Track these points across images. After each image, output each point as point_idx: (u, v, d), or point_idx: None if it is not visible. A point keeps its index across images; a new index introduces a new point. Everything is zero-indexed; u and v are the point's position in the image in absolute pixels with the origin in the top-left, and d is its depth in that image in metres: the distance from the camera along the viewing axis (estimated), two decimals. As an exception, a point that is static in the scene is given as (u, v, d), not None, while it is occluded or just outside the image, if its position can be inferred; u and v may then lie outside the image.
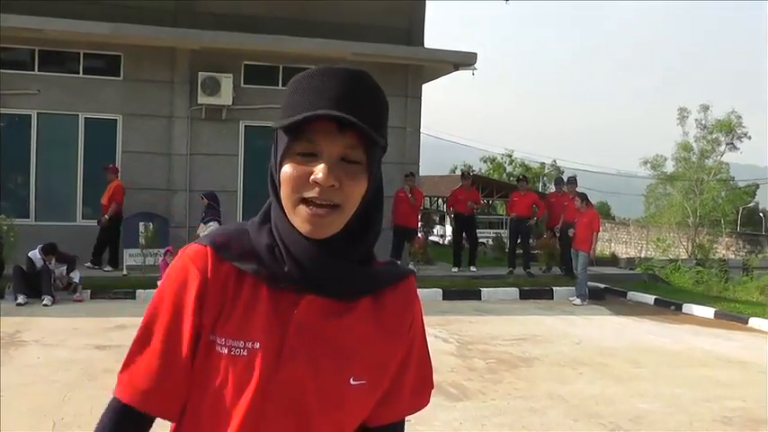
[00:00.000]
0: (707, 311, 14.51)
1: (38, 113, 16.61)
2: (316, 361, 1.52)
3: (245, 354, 1.50)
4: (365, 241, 1.57)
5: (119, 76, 17.03)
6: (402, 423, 1.74)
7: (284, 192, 1.49)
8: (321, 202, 1.45)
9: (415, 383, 1.70)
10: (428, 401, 1.75)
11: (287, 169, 1.48)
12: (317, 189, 1.45)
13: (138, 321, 1.63)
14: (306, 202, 1.46)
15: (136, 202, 16.59)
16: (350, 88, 1.47)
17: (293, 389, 1.51)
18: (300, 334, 1.52)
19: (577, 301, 15.32)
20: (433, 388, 1.76)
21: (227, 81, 16.87)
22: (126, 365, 1.60)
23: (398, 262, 1.77)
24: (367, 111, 1.47)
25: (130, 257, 15.31)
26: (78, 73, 16.89)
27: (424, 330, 1.72)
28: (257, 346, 1.50)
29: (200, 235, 14.28)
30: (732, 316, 14.14)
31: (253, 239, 1.57)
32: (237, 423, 1.50)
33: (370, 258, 1.62)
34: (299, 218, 1.47)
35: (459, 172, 61.03)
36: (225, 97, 16.90)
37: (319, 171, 1.44)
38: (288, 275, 1.51)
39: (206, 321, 1.53)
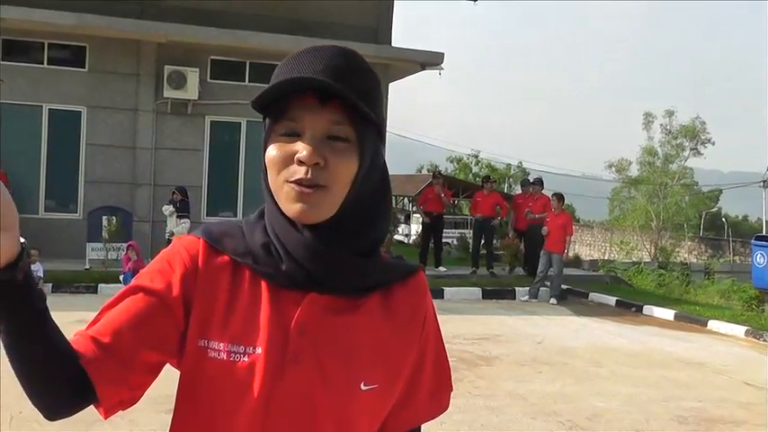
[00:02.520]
0: (667, 313, 14.67)
1: (1, 104, 16.41)
2: (322, 365, 1.39)
3: (246, 359, 1.37)
4: (364, 239, 1.45)
5: (84, 67, 16.90)
6: (419, 429, 1.60)
7: (270, 177, 1.39)
8: (308, 183, 1.34)
9: (433, 385, 1.57)
10: (448, 405, 1.61)
11: (270, 152, 1.38)
12: (302, 170, 1.34)
13: None
14: (292, 183, 1.35)
15: (100, 195, 16.52)
16: (333, 60, 1.38)
17: (299, 396, 1.38)
18: (304, 336, 1.39)
19: (553, 301, 15.53)
20: (452, 390, 1.62)
21: (193, 75, 16.80)
22: (88, 326, 1.41)
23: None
24: (353, 82, 1.36)
25: (93, 251, 15.19)
26: (42, 63, 16.76)
27: (438, 328, 1.61)
28: (259, 351, 1.37)
29: (173, 230, 14.27)
30: (692, 318, 14.31)
31: (247, 237, 1.46)
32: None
33: (375, 252, 1.49)
34: (286, 199, 1.36)
35: (425, 171, 61.25)
36: (191, 91, 16.83)
37: (303, 149, 1.33)
38: (286, 274, 1.40)
39: (194, 323, 1.41)
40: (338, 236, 1.40)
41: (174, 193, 15.17)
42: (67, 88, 16.72)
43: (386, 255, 1.54)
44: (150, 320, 1.38)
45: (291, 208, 1.36)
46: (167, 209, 14.94)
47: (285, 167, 1.36)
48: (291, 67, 1.38)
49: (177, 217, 14.57)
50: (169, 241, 14.49)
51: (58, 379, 1.31)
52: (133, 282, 1.43)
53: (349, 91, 1.33)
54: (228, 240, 1.46)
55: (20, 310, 1.24)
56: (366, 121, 1.38)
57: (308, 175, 1.33)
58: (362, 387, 1.41)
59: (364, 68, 1.42)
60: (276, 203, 1.41)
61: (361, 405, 1.42)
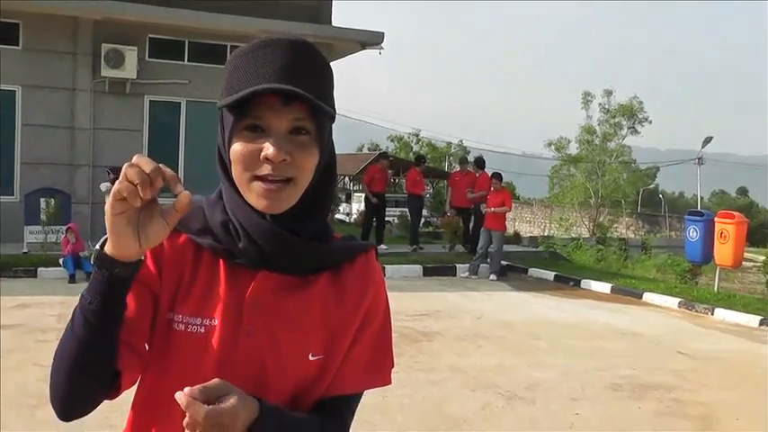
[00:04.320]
0: (604, 287, 15.01)
1: (-69, 85, 16.04)
2: (274, 337, 1.49)
3: (203, 331, 1.48)
4: (319, 214, 1.55)
5: (17, 45, 16.45)
6: (356, 397, 1.64)
7: (236, 171, 1.46)
8: (274, 178, 1.42)
9: (369, 358, 1.62)
10: (389, 381, 1.66)
11: (236, 147, 1.44)
12: (268, 166, 1.41)
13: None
14: (259, 178, 1.43)
15: (37, 177, 16.22)
16: (291, 59, 1.44)
17: (251, 365, 1.48)
18: (256, 310, 1.49)
19: (493, 277, 15.75)
20: (393, 367, 1.67)
21: (131, 54, 16.52)
22: None
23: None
24: (311, 80, 1.43)
25: (31, 234, 14.92)
26: (-27, 42, 16.34)
27: (387, 305, 1.67)
28: (215, 323, 1.49)
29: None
30: (627, 291, 14.66)
31: (207, 216, 1.55)
32: None
33: (328, 233, 1.60)
34: (254, 194, 1.44)
35: (366, 150, 61.14)
36: (129, 70, 16.55)
37: (269, 147, 1.40)
38: (243, 252, 1.49)
39: (164, 294, 1.51)
40: (295, 220, 1.50)
41: (108, 172, 14.86)
42: (1, 67, 16.34)
43: (338, 235, 1.64)
44: (146, 309, 1.50)
45: (259, 203, 1.44)
46: (105, 185, 14.63)
47: (251, 163, 1.43)
48: (249, 66, 1.44)
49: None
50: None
51: (106, 369, 1.41)
52: None
53: (311, 90, 1.41)
54: (190, 219, 1.54)
55: (119, 302, 1.37)
56: (325, 114, 1.46)
57: (276, 171, 1.42)
58: (310, 357, 1.52)
59: (321, 62, 1.49)
60: (235, 189, 1.49)
61: (309, 373, 1.53)
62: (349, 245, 1.62)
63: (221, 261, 1.52)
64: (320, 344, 1.54)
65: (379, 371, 1.64)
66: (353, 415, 1.65)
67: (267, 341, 1.49)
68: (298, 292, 1.53)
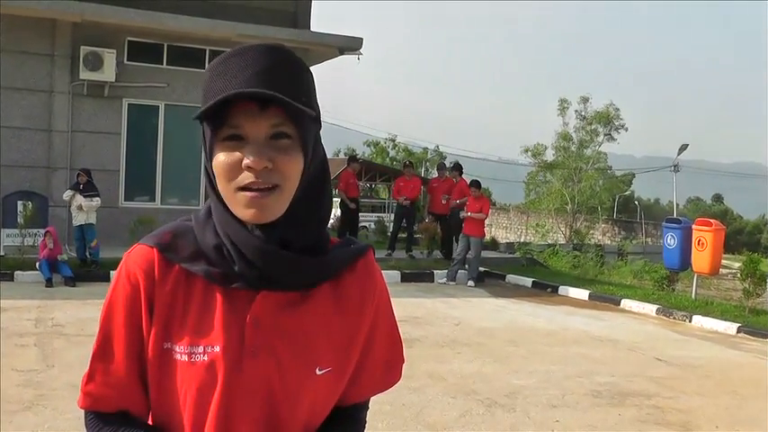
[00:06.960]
0: (582, 293, 15.07)
1: None
2: (278, 356, 1.47)
3: (206, 358, 1.45)
4: (311, 223, 1.50)
5: (-5, 47, 16.39)
6: (368, 400, 1.69)
7: (220, 184, 1.42)
8: (259, 186, 1.38)
9: (386, 360, 1.64)
10: (399, 377, 1.69)
11: (217, 160, 1.41)
12: (251, 175, 1.38)
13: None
14: (243, 189, 1.39)
15: (14, 179, 16.10)
16: (265, 64, 1.40)
17: (259, 387, 1.46)
18: (259, 331, 1.46)
19: (471, 283, 15.77)
20: (404, 362, 1.70)
21: (110, 57, 16.44)
22: (90, 379, 1.54)
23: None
24: (287, 83, 1.40)
25: (8, 238, 14.81)
26: (-50, 43, 16.17)
27: (389, 304, 1.67)
28: (217, 349, 1.45)
29: (81, 206, 13.90)
30: (605, 297, 14.73)
31: (199, 239, 1.51)
32: (208, 427, 1.46)
33: (325, 241, 1.55)
34: (240, 205, 1.40)
35: (342, 155, 61.09)
36: (108, 73, 16.47)
37: (249, 155, 1.37)
38: (239, 275, 1.45)
39: (157, 327, 1.48)
40: (289, 231, 1.46)
41: (79, 175, 14.66)
42: (-22, 69, 16.21)
43: (334, 240, 1.59)
44: (142, 354, 1.51)
45: (245, 213, 1.40)
46: (68, 193, 14.44)
47: (234, 174, 1.40)
48: (223, 75, 1.40)
49: (85, 197, 14.12)
50: (78, 229, 14.13)
51: None
52: (112, 321, 1.53)
53: (287, 93, 1.37)
54: (181, 245, 1.51)
55: None
56: (305, 116, 1.43)
57: (259, 179, 1.38)
58: (318, 372, 1.50)
59: (297, 65, 1.46)
60: (224, 205, 1.45)
61: (317, 388, 1.51)
62: (347, 251, 1.58)
63: (217, 286, 1.49)
64: (326, 356, 1.51)
65: (393, 370, 1.67)
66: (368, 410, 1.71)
67: (271, 362, 1.46)
68: (298, 307, 1.50)
